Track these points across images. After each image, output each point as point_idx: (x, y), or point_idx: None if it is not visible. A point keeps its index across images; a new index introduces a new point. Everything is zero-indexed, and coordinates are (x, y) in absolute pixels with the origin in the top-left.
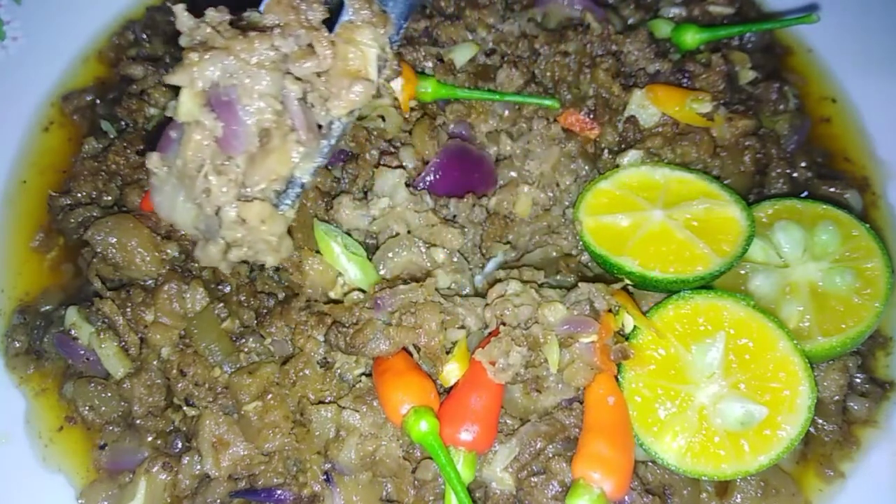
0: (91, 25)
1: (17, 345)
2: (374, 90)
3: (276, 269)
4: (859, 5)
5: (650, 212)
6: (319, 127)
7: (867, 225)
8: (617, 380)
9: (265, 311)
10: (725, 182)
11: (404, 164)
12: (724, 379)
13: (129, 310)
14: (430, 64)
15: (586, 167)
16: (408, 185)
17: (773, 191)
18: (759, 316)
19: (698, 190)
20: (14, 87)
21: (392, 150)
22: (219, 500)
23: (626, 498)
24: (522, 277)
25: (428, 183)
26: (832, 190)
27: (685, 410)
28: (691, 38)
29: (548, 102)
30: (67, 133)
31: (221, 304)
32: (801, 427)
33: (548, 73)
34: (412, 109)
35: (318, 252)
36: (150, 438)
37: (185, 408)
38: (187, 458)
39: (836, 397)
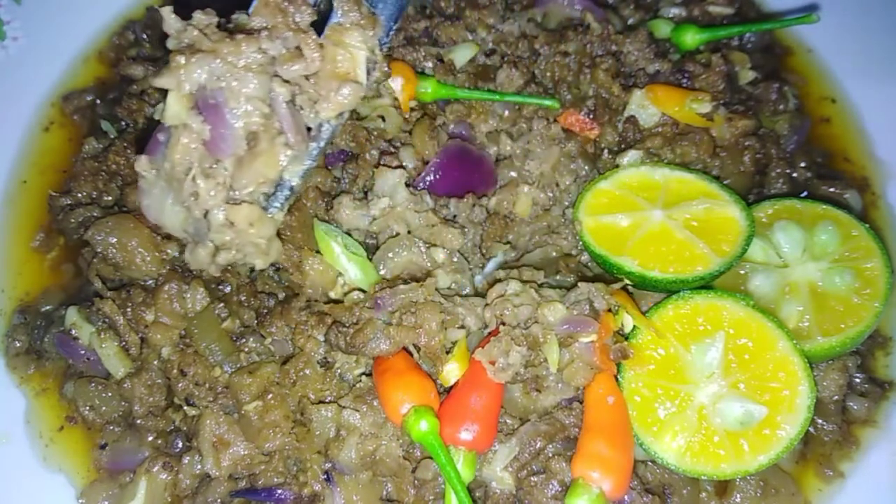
0: (91, 25)
1: (18, 345)
2: (364, 92)
3: (277, 269)
4: (859, 6)
5: (650, 212)
6: (309, 129)
7: (867, 225)
8: (616, 379)
9: (265, 310)
10: (725, 182)
11: (404, 164)
12: (724, 379)
13: (129, 310)
14: (430, 64)
15: (586, 167)
16: (408, 185)
17: (773, 191)
18: (759, 316)
19: (698, 190)
20: (14, 87)
21: (392, 150)
22: (219, 500)
23: (626, 497)
24: (522, 277)
25: (428, 183)
26: (832, 190)
27: (685, 410)
28: (691, 38)
29: (548, 102)
30: (68, 133)
31: (222, 304)
32: (800, 427)
33: (548, 74)
34: (412, 109)
35: (318, 252)
36: (150, 438)
37: (185, 407)
38: (188, 457)
39: (836, 397)
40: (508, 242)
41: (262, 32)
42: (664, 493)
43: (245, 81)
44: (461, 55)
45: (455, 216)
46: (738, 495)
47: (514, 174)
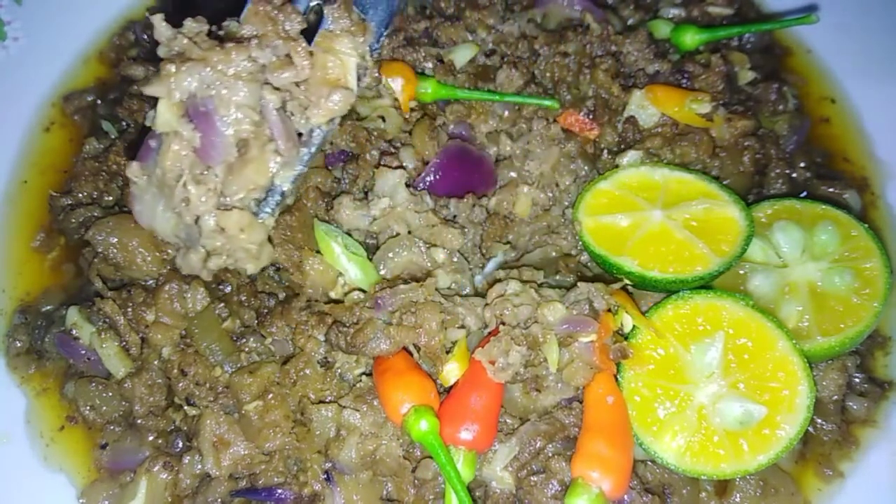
0: (92, 26)
1: (19, 345)
2: (354, 98)
3: (277, 269)
4: (858, 6)
5: (649, 212)
6: (300, 135)
7: (866, 225)
8: (616, 379)
9: (266, 310)
10: (725, 182)
11: (404, 164)
12: (724, 378)
13: (130, 310)
14: (430, 64)
15: (586, 167)
16: (408, 186)
17: (773, 191)
18: (758, 316)
19: (697, 190)
20: (15, 87)
21: (392, 150)
22: (219, 500)
23: (626, 497)
24: (522, 277)
25: (428, 183)
26: (831, 190)
27: (684, 410)
28: (691, 38)
29: (547, 103)
30: (68, 133)
31: (222, 304)
32: (800, 426)
33: (547, 74)
34: (412, 110)
35: (318, 252)
36: (150, 438)
37: (185, 407)
38: (188, 457)
39: (835, 397)
40: (508, 242)
41: (251, 41)
42: (664, 493)
43: (235, 89)
44: (461, 56)
45: (455, 216)
46: (738, 495)
47: (514, 174)
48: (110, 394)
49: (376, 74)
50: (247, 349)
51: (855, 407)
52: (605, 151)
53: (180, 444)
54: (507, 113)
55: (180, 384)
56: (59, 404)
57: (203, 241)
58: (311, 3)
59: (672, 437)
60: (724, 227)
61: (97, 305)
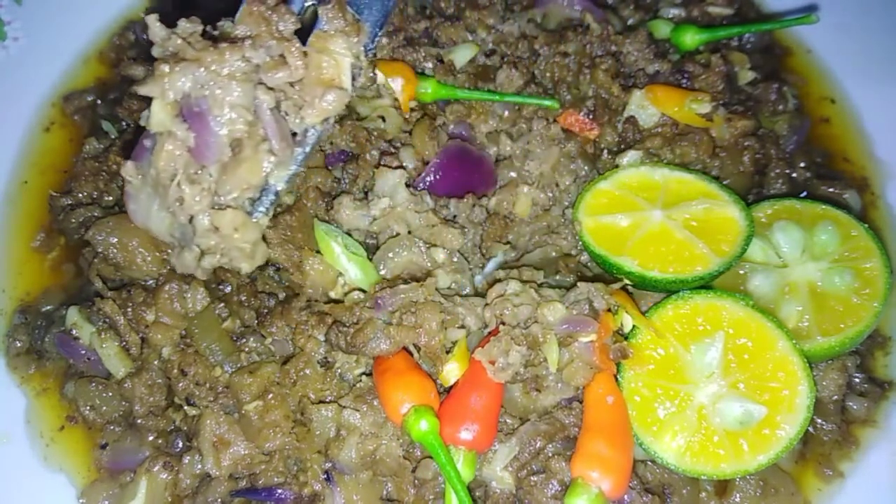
0: (92, 26)
1: (19, 345)
2: (348, 98)
3: (277, 269)
4: (858, 6)
5: (649, 212)
6: (294, 135)
7: (866, 225)
8: (616, 379)
9: (266, 310)
10: (725, 182)
11: (404, 164)
12: (724, 378)
13: (129, 310)
14: (430, 64)
15: (586, 167)
16: (408, 186)
17: (773, 191)
18: (758, 316)
19: (697, 190)
20: (15, 87)
21: (392, 150)
22: (219, 500)
23: (626, 497)
24: (522, 277)
25: (428, 183)
26: (831, 190)
27: (684, 410)
28: (690, 38)
29: (547, 103)
30: (68, 133)
31: (222, 304)
32: (799, 426)
33: (547, 74)
34: (412, 110)
35: (318, 252)
36: (150, 438)
37: (185, 407)
38: (188, 457)
39: (835, 397)
40: (508, 242)
41: (245, 41)
42: (664, 493)
43: (229, 89)
44: (461, 56)
45: (455, 216)
46: (738, 495)
47: (514, 174)
48: (110, 394)
49: (371, 74)
50: (247, 349)
51: (855, 407)
52: (605, 151)
53: (180, 444)
54: (507, 113)
55: (180, 384)
56: (59, 404)
57: (197, 240)
58: (307, 4)
59: (672, 437)
60: (724, 227)
61: (97, 305)
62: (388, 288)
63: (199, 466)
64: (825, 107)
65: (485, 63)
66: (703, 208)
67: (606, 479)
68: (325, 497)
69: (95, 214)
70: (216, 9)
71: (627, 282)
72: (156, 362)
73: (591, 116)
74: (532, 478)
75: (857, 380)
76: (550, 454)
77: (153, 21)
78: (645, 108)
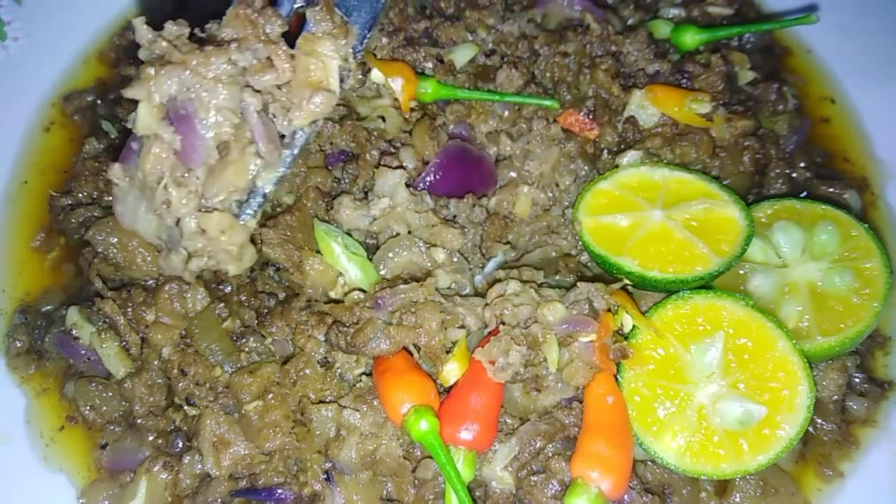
0: (92, 26)
1: (19, 345)
2: (336, 100)
3: (277, 269)
4: (858, 6)
5: (649, 212)
6: (283, 137)
7: (866, 225)
8: (616, 379)
9: (266, 310)
10: (725, 182)
11: (404, 164)
12: (724, 378)
13: (129, 310)
14: (430, 65)
15: (586, 167)
16: (408, 186)
17: (773, 191)
18: (758, 316)
19: (697, 190)
20: (15, 87)
21: (392, 150)
22: (219, 500)
23: (626, 497)
24: (522, 277)
25: (428, 183)
26: (831, 190)
27: (684, 410)
28: (690, 38)
29: (547, 103)
30: (68, 133)
31: (222, 304)
32: (799, 426)
33: (547, 74)
34: (412, 110)
35: (318, 252)
36: (150, 438)
37: (185, 407)
38: (188, 457)
39: (835, 397)
40: (508, 242)
41: (231, 44)
42: (664, 493)
43: (215, 92)
44: (461, 56)
45: (455, 216)
46: (738, 495)
47: (514, 174)
48: (110, 394)
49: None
50: (247, 349)
51: (855, 407)
52: (605, 151)
53: (180, 444)
54: (507, 113)
55: (180, 384)
56: (59, 404)
57: (184, 242)
58: (295, 6)
59: (672, 437)
60: (724, 227)
61: (97, 305)
62: (388, 288)
63: (199, 466)
64: (825, 107)
65: (485, 63)
66: (703, 208)
67: (606, 478)
68: (325, 497)
69: (95, 214)
70: (215, 10)
71: (627, 282)
72: (156, 362)
73: (591, 116)
74: (532, 478)
75: (857, 380)
76: (550, 454)
77: (139, 24)
78: (645, 108)
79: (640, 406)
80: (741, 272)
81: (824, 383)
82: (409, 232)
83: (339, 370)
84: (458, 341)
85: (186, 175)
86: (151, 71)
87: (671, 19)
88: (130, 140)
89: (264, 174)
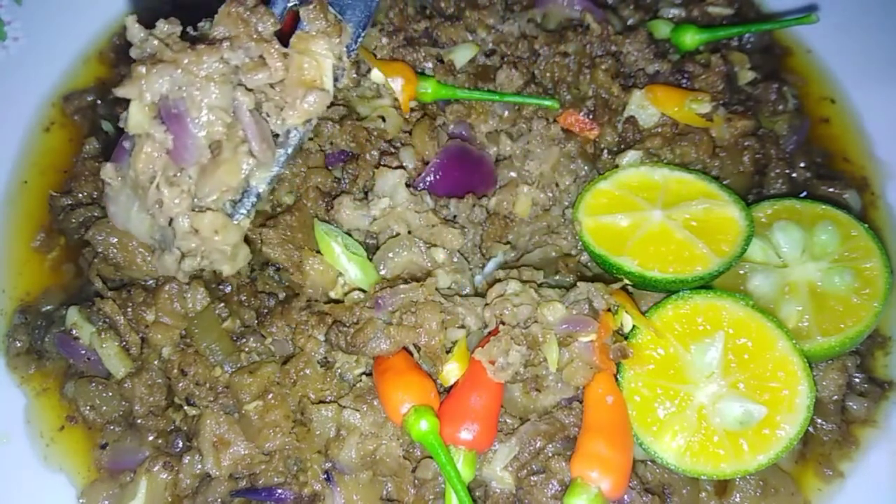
0: (92, 26)
1: (19, 344)
2: (330, 99)
3: (277, 269)
4: (858, 6)
5: (649, 212)
6: (276, 136)
7: (866, 225)
8: (616, 379)
9: (266, 310)
10: (724, 182)
11: (404, 164)
12: (724, 378)
13: (130, 310)
14: (430, 64)
15: (586, 167)
16: (408, 186)
17: (772, 191)
18: (758, 316)
19: (697, 190)
20: (15, 87)
21: (392, 150)
22: (219, 500)
23: (626, 497)
24: (522, 277)
25: (428, 183)
26: (831, 190)
27: (684, 410)
28: (690, 38)
29: (547, 103)
30: (68, 133)
31: (222, 304)
32: (799, 426)
33: (547, 74)
34: (412, 110)
35: (318, 252)
36: (150, 438)
37: (185, 407)
38: (188, 457)
39: (835, 397)
40: (508, 242)
41: (223, 42)
42: (664, 493)
43: (207, 91)
44: (461, 56)
45: (455, 216)
46: (738, 495)
47: (513, 174)
48: (110, 394)
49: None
50: (247, 349)
51: (855, 407)
52: (605, 151)
53: (180, 444)
54: (507, 113)
55: (180, 384)
56: (59, 404)
57: (178, 242)
58: (289, 4)
59: (672, 436)
60: (724, 227)
61: (97, 305)
62: (388, 288)
63: (199, 466)
64: (825, 107)
65: (485, 63)
66: (703, 208)
67: (606, 478)
68: (325, 497)
69: (95, 214)
70: (215, 9)
71: (627, 282)
72: (156, 362)
73: (591, 116)
74: (532, 478)
75: (857, 380)
76: (550, 454)
77: (131, 22)
78: (645, 108)
79: (640, 406)
80: (741, 272)
81: (824, 383)
82: (409, 232)
83: (339, 370)
84: (458, 341)
85: (179, 174)
86: (143, 70)
87: (671, 19)
88: (122, 139)
89: (258, 173)
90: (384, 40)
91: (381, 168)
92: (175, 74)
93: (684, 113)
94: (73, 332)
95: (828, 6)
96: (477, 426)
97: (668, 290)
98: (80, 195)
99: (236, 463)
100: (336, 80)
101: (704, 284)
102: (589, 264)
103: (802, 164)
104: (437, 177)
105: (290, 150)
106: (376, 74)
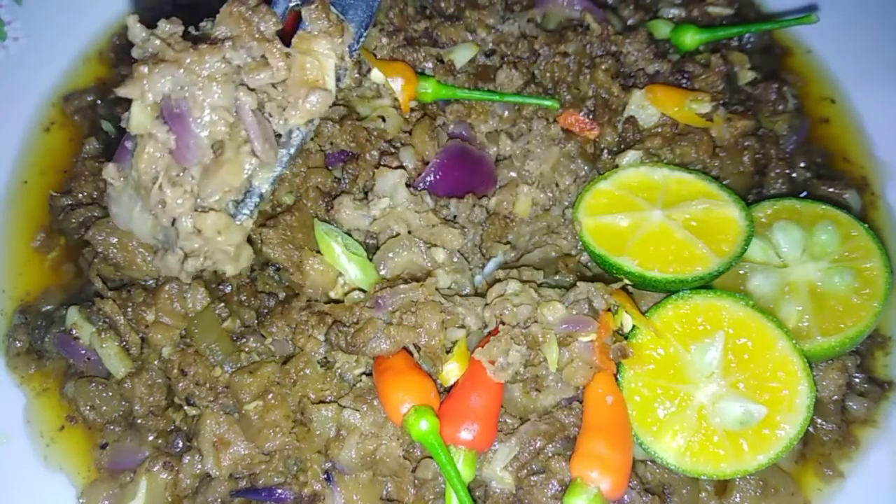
0: (92, 26)
1: (19, 344)
2: (332, 99)
3: (277, 269)
4: (858, 6)
5: (649, 212)
6: (279, 136)
7: (866, 225)
8: (616, 379)
9: (266, 310)
10: (724, 182)
11: (404, 164)
12: (724, 378)
13: (129, 310)
14: (430, 64)
15: (586, 167)
16: (408, 186)
17: (772, 191)
18: (758, 316)
19: (697, 190)
20: (15, 87)
21: (392, 150)
22: (219, 500)
23: (626, 497)
24: (522, 277)
25: (428, 183)
26: (831, 190)
27: (684, 410)
28: (690, 38)
29: (547, 103)
30: (68, 133)
31: (222, 304)
32: (799, 426)
33: (547, 74)
34: (412, 110)
35: (318, 252)
36: (150, 438)
37: (185, 407)
38: (188, 457)
39: (835, 397)
40: (508, 242)
41: (225, 42)
42: (664, 493)
43: (209, 91)
44: (461, 56)
45: (455, 216)
46: (738, 495)
47: (513, 174)
48: (110, 394)
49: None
50: (247, 349)
51: (855, 407)
52: (605, 151)
53: (180, 444)
54: (507, 113)
55: (180, 384)
56: (59, 404)
57: (181, 242)
58: (290, 4)
59: (672, 436)
60: (724, 227)
61: (97, 305)
62: (388, 288)
63: (199, 466)
64: (825, 107)
65: (485, 63)
66: (703, 208)
67: (605, 478)
68: (325, 497)
69: (95, 214)
70: (215, 10)
71: (627, 282)
72: (156, 362)
73: (591, 116)
74: (532, 478)
75: (857, 380)
76: (550, 454)
77: (133, 22)
78: (645, 108)
79: (640, 406)
80: (741, 272)
81: (824, 383)
82: (409, 232)
83: (339, 370)
84: (458, 341)
85: (181, 174)
86: (145, 69)
87: (671, 19)
88: (124, 139)
89: (260, 173)
90: (384, 40)
91: (381, 168)
92: (177, 74)
93: (684, 113)
94: (73, 332)
95: (828, 6)
96: (477, 426)
97: (668, 290)
98: (80, 195)
99: (236, 463)
100: (338, 79)
101: (704, 284)
102: (589, 264)
103: (802, 164)
104: (437, 177)
105: (292, 150)
106: (376, 74)
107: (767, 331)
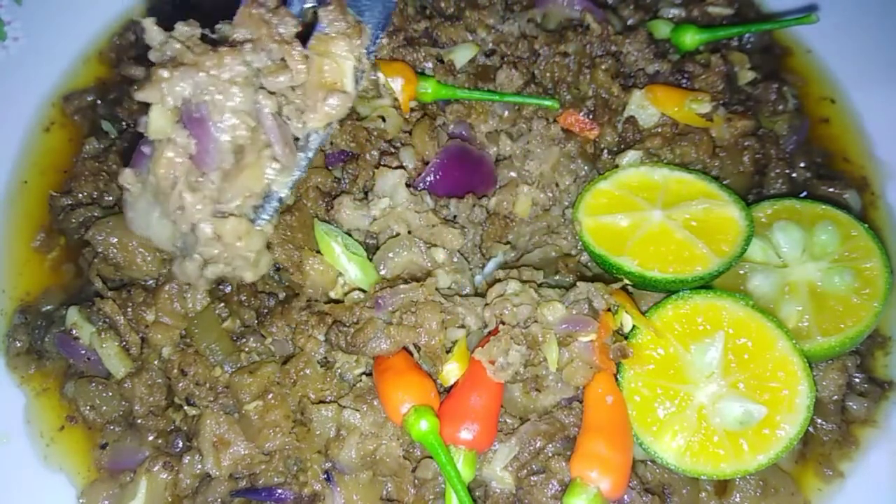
0: (92, 26)
1: (19, 344)
2: (351, 102)
3: (277, 269)
4: (858, 6)
5: (649, 212)
6: (297, 140)
7: (866, 225)
8: (616, 379)
9: (266, 310)
10: (724, 182)
11: (404, 164)
12: (724, 378)
13: (130, 310)
14: (430, 64)
15: (586, 167)
16: (408, 186)
17: (772, 191)
18: (758, 316)
19: (697, 190)
20: (15, 87)
21: (392, 150)
22: (219, 500)
23: (626, 497)
24: (522, 277)
25: (428, 183)
26: (831, 190)
27: (684, 410)
28: (690, 38)
29: (547, 103)
30: (68, 133)
31: (222, 304)
32: (799, 426)
33: (547, 74)
34: (412, 110)
35: (318, 252)
36: (150, 438)
37: (185, 407)
38: (188, 457)
39: (835, 397)
40: (508, 242)
41: (245, 45)
42: (664, 493)
43: (230, 95)
44: (461, 56)
45: (455, 216)
46: (738, 495)
47: (513, 174)
48: (110, 394)
49: (373, 77)
50: (247, 349)
51: (855, 407)
52: (605, 151)
53: (180, 444)
54: (507, 113)
55: (180, 384)
56: (59, 404)
57: (200, 249)
58: (305, 6)
59: (672, 436)
60: (724, 227)
61: (97, 305)
62: (388, 288)
63: (199, 466)
64: (825, 107)
65: (485, 63)
66: (703, 208)
67: (605, 478)
68: (325, 497)
69: (95, 214)
70: (215, 10)
71: (627, 282)
72: (156, 362)
73: (591, 116)
74: (532, 478)
75: (857, 380)
76: (550, 454)
77: (150, 25)
78: (645, 108)
79: (640, 406)
80: (741, 272)
81: (824, 383)
82: (409, 232)
83: (339, 370)
84: (458, 341)
85: (201, 179)
86: (164, 73)
87: (671, 19)
88: (141, 144)
89: (280, 178)
90: (384, 40)
91: (381, 168)
92: (197, 77)
93: (684, 113)
94: (73, 332)
95: (828, 6)
96: (477, 426)
97: (668, 290)
98: (80, 195)
99: (236, 463)
100: (356, 81)
101: (704, 284)
102: (589, 264)
103: (802, 164)
104: (437, 177)
105: (311, 154)
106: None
107: (767, 331)
